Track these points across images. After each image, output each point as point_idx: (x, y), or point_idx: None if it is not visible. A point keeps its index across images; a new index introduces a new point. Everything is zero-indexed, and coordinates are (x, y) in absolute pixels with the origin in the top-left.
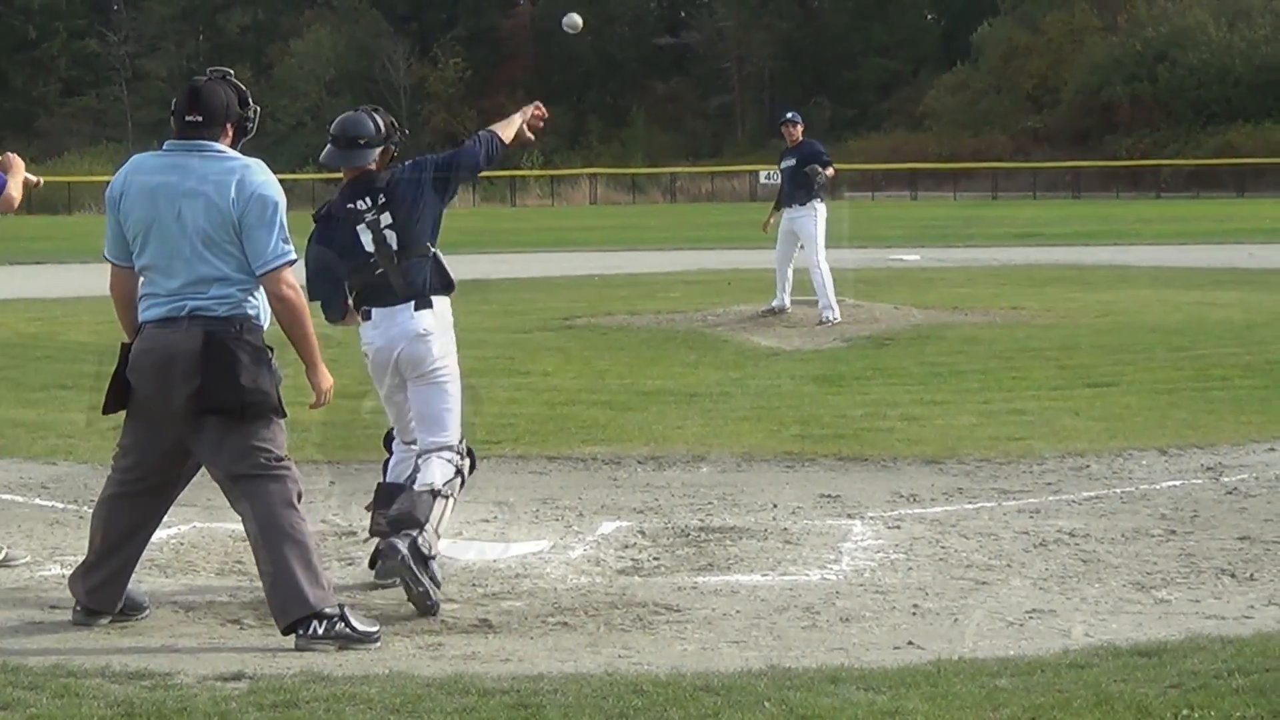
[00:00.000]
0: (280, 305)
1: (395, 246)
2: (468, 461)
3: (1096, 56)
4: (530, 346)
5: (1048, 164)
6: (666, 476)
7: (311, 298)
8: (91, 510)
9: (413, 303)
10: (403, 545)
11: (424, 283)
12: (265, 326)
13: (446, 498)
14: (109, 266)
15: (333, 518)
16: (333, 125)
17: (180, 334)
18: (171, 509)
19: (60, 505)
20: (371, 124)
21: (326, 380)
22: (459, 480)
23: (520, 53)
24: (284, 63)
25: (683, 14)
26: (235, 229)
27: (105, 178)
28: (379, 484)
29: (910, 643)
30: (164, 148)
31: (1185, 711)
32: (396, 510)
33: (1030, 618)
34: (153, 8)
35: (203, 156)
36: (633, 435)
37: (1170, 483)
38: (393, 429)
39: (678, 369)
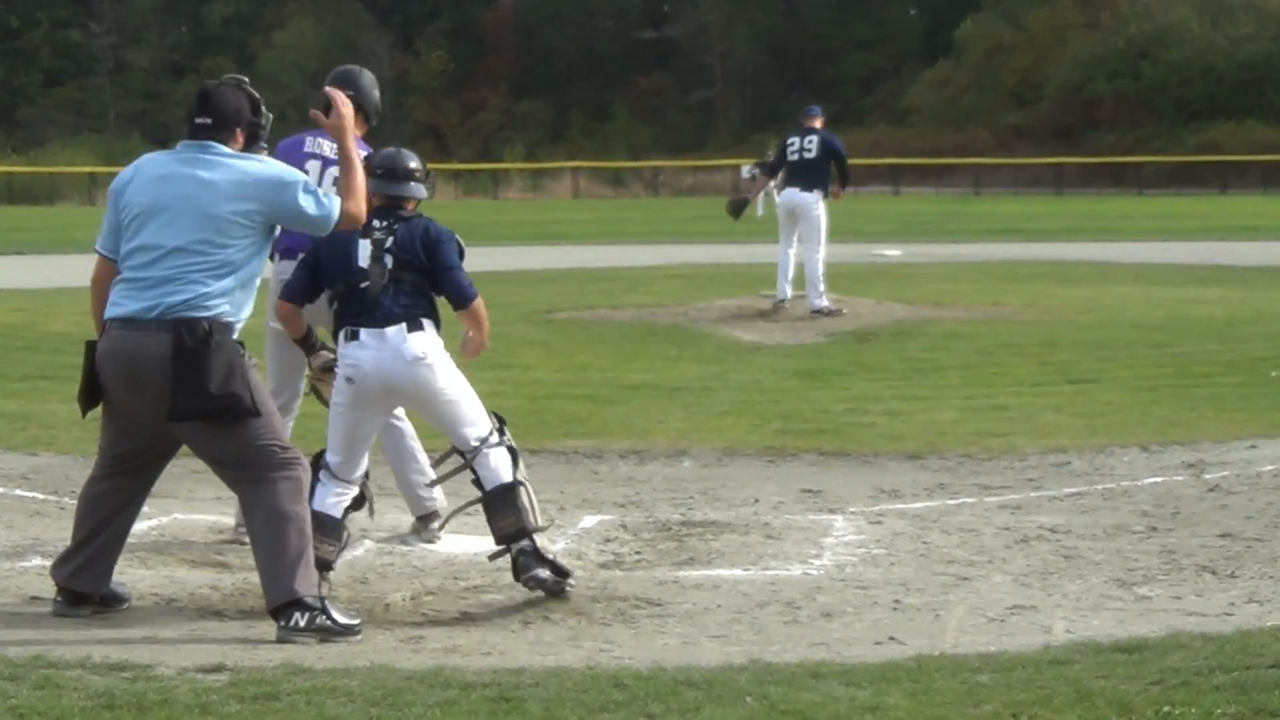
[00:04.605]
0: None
1: (389, 266)
2: (506, 433)
3: (1079, 53)
4: (511, 340)
5: (1030, 160)
6: (648, 471)
7: (287, 282)
8: (73, 501)
9: (404, 324)
10: (540, 571)
11: (414, 305)
12: (241, 323)
13: (521, 483)
14: (96, 259)
15: None
16: (376, 158)
17: (147, 337)
18: (151, 500)
19: (41, 496)
20: (415, 161)
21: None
22: (515, 455)
23: (503, 46)
24: (266, 54)
25: (665, 8)
26: (242, 214)
27: (87, 169)
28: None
29: (892, 638)
30: (176, 149)
31: (1166, 708)
32: (502, 528)
33: (1011, 614)
34: None
35: (213, 155)
36: (614, 429)
37: (1152, 479)
38: (324, 453)
39: (659, 363)
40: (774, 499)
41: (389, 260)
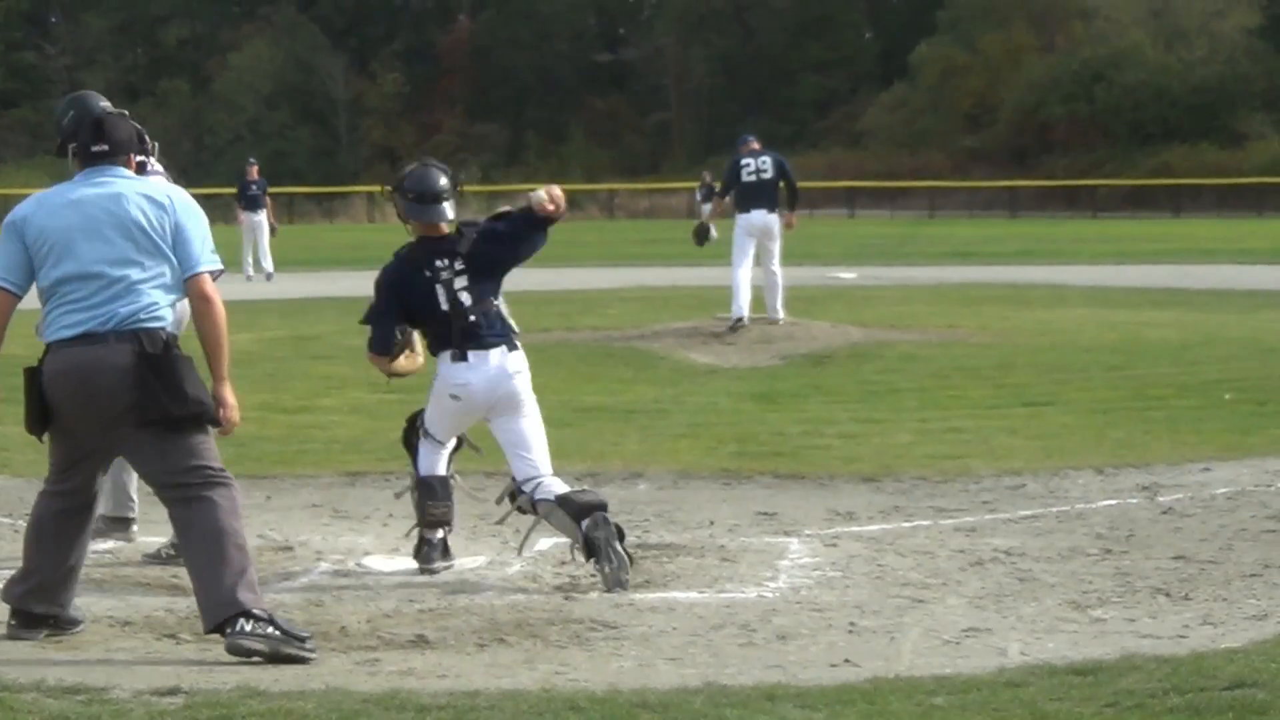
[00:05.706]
0: (205, 307)
1: (468, 304)
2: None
3: (1034, 76)
4: None
5: (985, 183)
6: (603, 493)
7: (371, 324)
8: (26, 524)
9: (504, 345)
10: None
11: (503, 327)
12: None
13: (540, 508)
14: None
15: (269, 532)
16: (409, 182)
17: (106, 348)
18: None
19: None
20: (446, 178)
21: (232, 396)
22: (568, 502)
23: (458, 68)
24: (222, 76)
25: (621, 31)
26: (165, 234)
27: (40, 190)
28: (423, 478)
29: (847, 661)
30: (77, 178)
31: None
32: (581, 500)
33: (966, 636)
34: (91, 20)
35: (119, 176)
36: (570, 452)
37: (1106, 502)
38: (422, 416)
39: (615, 386)
40: (729, 522)
41: (466, 299)
